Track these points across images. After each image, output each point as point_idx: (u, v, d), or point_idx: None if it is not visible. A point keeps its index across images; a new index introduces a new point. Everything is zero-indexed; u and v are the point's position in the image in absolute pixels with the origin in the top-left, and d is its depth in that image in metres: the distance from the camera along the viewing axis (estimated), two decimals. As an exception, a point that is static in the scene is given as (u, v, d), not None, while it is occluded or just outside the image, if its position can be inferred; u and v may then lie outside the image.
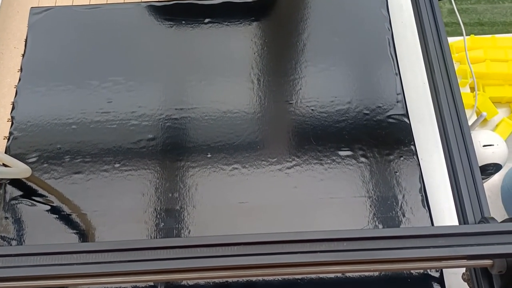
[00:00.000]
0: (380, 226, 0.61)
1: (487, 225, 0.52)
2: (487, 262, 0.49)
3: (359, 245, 0.43)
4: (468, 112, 0.74)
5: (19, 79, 0.72)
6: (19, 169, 0.57)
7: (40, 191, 0.64)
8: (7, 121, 0.69)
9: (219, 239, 0.44)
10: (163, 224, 0.62)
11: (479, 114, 1.08)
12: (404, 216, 0.62)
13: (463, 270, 0.57)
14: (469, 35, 1.32)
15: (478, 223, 0.55)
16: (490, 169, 0.98)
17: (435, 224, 0.62)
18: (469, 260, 0.51)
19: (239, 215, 0.63)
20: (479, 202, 0.58)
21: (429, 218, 0.62)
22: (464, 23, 1.07)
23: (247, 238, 0.44)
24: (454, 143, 0.63)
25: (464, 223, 0.56)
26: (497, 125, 1.19)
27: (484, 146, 0.97)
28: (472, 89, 1.17)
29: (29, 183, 0.65)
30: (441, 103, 0.66)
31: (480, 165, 0.61)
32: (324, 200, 0.63)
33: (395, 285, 0.58)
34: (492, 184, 1.08)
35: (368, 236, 0.44)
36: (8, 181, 0.63)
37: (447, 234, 0.48)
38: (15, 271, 0.44)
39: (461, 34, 1.04)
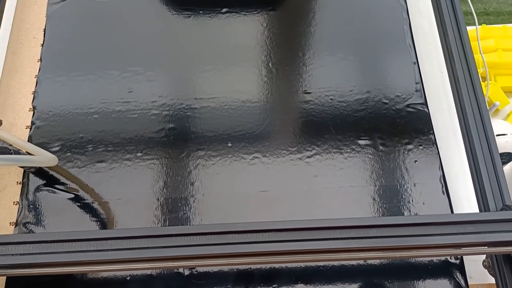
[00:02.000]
0: (401, 214, 0.62)
1: (509, 212, 0.52)
2: (510, 248, 0.50)
3: (387, 231, 0.44)
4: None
5: (39, 69, 0.73)
6: (46, 158, 0.58)
7: (64, 179, 0.65)
8: (29, 110, 0.70)
9: (250, 226, 0.45)
10: (185, 211, 0.63)
11: (491, 104, 1.08)
12: (424, 204, 0.63)
13: (483, 257, 0.58)
14: (480, 24, 1.32)
15: (500, 210, 0.56)
16: (503, 158, 0.99)
17: (454, 212, 0.62)
18: (491, 247, 0.52)
19: (261, 203, 0.64)
20: (500, 190, 0.58)
21: (449, 206, 0.62)
22: (469, 13, 1.07)
23: (279, 225, 0.44)
24: (474, 131, 0.63)
25: (485, 211, 0.57)
26: (508, 115, 1.19)
27: (497, 135, 0.98)
28: (484, 78, 1.17)
29: (52, 172, 0.65)
30: (461, 92, 0.66)
31: (493, 154, 0.62)
32: (344, 188, 0.64)
33: (416, 273, 0.59)
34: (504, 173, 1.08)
35: (396, 223, 0.45)
36: (34, 170, 0.63)
37: (471, 221, 0.49)
38: (51, 257, 0.45)
39: (470, 24, 1.04)
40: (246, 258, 0.45)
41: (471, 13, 1.08)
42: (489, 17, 1.90)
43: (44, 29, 0.76)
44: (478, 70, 1.18)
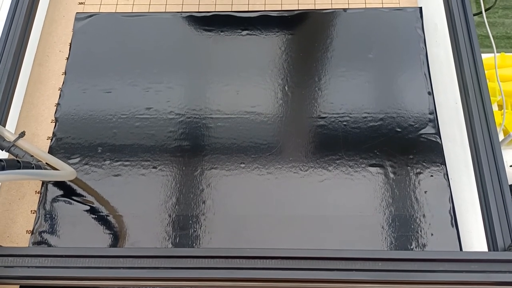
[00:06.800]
0: (409, 245, 0.62)
1: (517, 251, 0.53)
2: (516, 288, 0.50)
3: (393, 265, 0.45)
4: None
5: (63, 82, 0.75)
6: (66, 172, 0.60)
7: (81, 191, 0.67)
8: (51, 122, 0.72)
9: (257, 252, 0.46)
10: (195, 229, 0.64)
11: (506, 133, 1.08)
12: (432, 235, 0.63)
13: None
14: (500, 49, 1.31)
15: (508, 248, 0.56)
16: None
17: (462, 246, 0.62)
18: (497, 286, 0.52)
19: (269, 225, 0.65)
20: (509, 225, 0.59)
21: (458, 240, 0.62)
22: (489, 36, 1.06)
23: (285, 253, 0.45)
24: (485, 163, 0.64)
25: (494, 248, 0.57)
26: (524, 145, 1.18)
27: (510, 166, 0.97)
28: (500, 107, 1.16)
29: (70, 183, 0.67)
30: (474, 124, 0.67)
31: (507, 185, 0.62)
32: (353, 216, 0.65)
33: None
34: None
35: (402, 257, 0.46)
36: (53, 182, 0.66)
37: (478, 260, 0.49)
38: (64, 272, 0.47)
39: (488, 47, 1.04)
40: (251, 283, 0.46)
41: (491, 37, 1.08)
42: (510, 40, 1.90)
43: (70, 43, 0.79)
44: (495, 98, 1.18)
